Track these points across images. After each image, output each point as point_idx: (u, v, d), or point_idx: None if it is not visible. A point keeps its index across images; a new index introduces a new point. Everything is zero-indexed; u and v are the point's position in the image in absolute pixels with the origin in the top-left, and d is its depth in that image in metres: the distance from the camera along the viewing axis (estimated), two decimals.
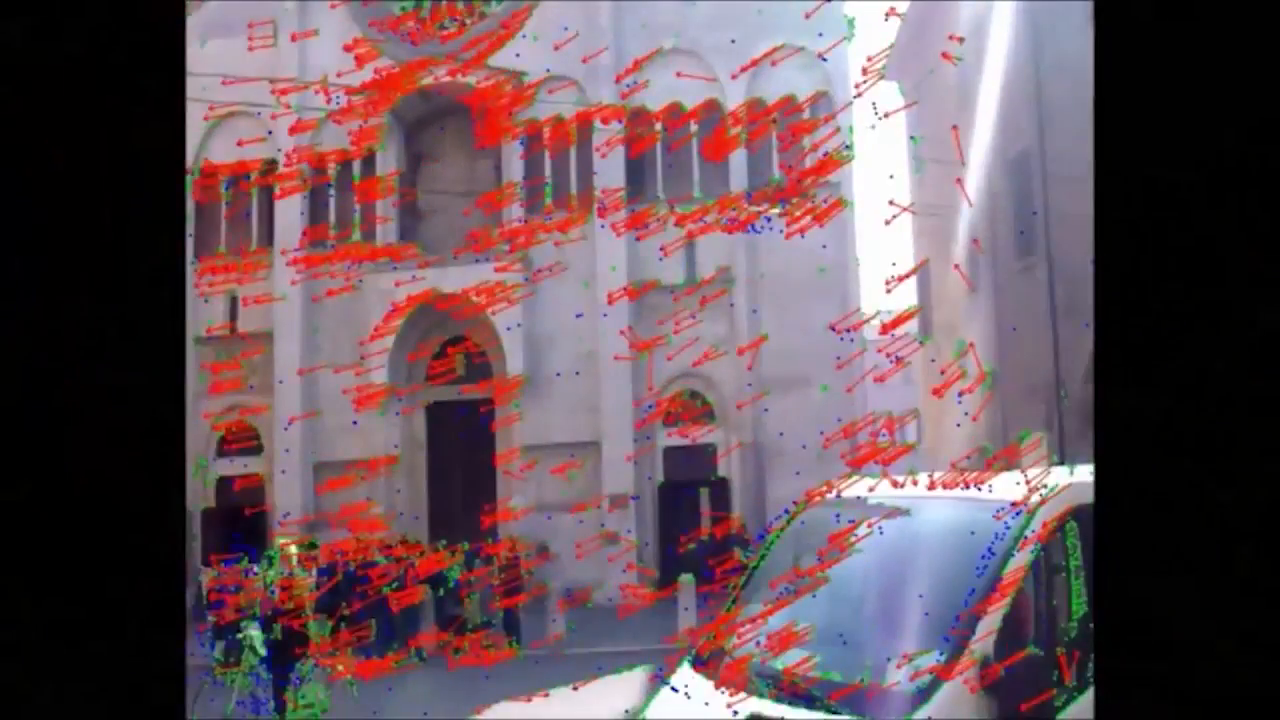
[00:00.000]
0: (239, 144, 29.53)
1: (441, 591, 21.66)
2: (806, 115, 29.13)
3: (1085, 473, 6.94)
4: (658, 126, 29.63)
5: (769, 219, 21.48)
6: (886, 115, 13.92)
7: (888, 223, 28.94)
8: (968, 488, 7.11)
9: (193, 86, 26.09)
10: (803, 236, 21.67)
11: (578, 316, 28.42)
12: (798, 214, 25.85)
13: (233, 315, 31.36)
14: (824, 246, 27.39)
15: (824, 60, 29.08)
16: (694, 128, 29.62)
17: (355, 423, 28.52)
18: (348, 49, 28.44)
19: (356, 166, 30.93)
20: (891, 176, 23.80)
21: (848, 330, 19.82)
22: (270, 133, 30.57)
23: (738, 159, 29.30)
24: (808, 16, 25.57)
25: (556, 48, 28.14)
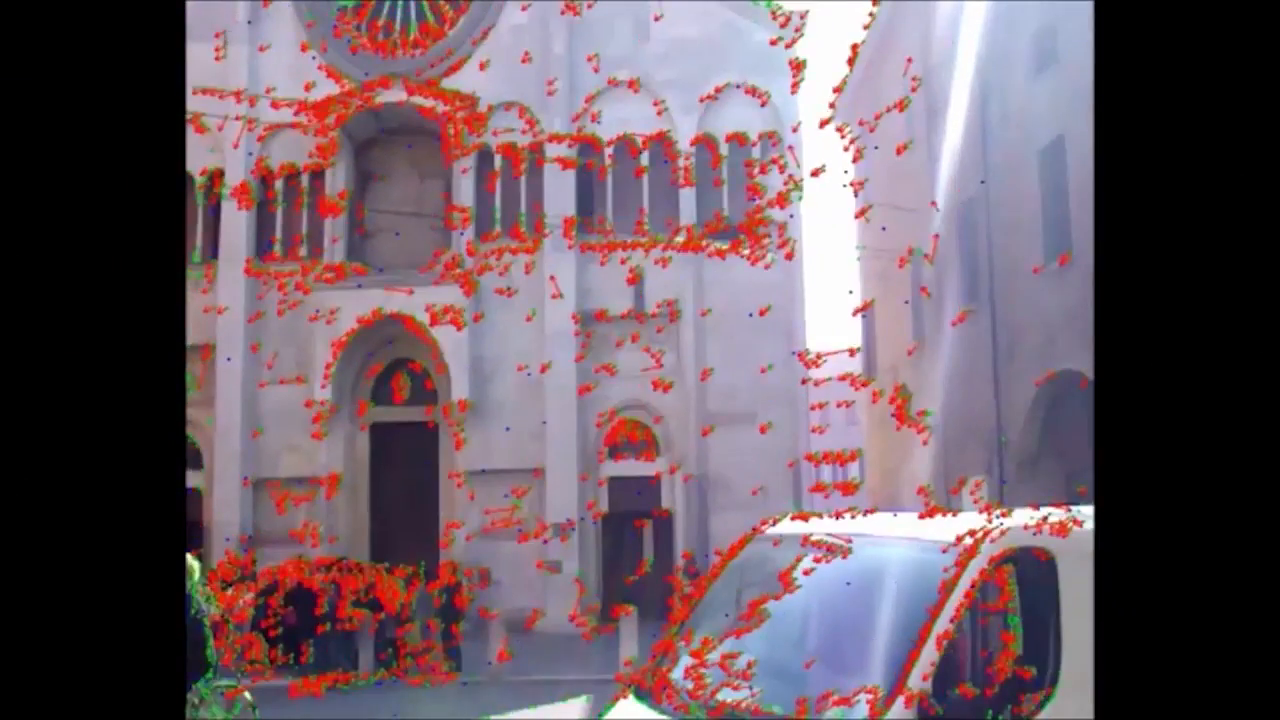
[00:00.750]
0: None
1: (383, 615, 21.59)
2: (756, 152, 29.41)
3: (1023, 516, 7.09)
4: (608, 157, 29.81)
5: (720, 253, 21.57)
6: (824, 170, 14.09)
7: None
8: (909, 526, 7.26)
9: None
10: (756, 264, 21.71)
11: (523, 343, 28.46)
12: (745, 250, 26.00)
13: None
14: (770, 283, 27.57)
15: (772, 101, 29.35)
16: (644, 159, 29.78)
17: (319, 438, 28.35)
18: (304, 48, 28.43)
19: (304, 181, 30.81)
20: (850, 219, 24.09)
21: (810, 365, 19.92)
22: (217, 144, 30.36)
23: (687, 192, 29.47)
24: (773, 43, 25.77)
25: (523, 71, 28.23)
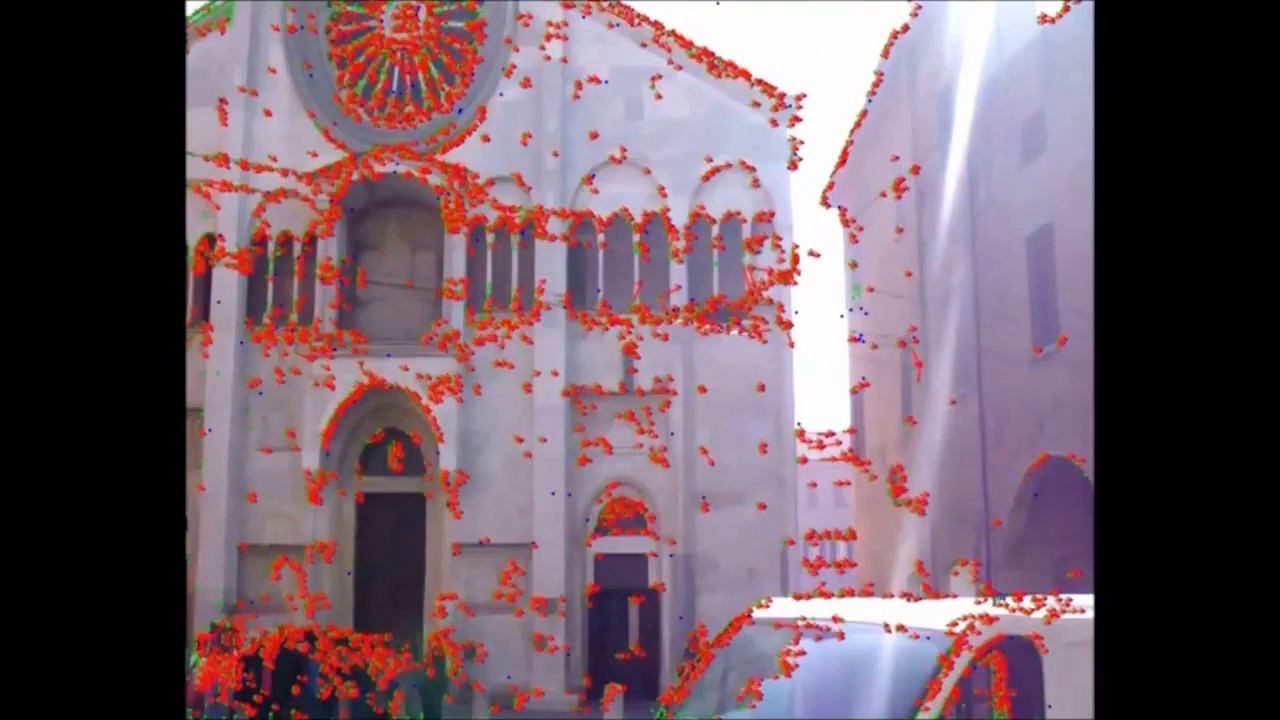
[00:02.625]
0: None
1: (369, 689, 21.37)
2: (749, 232, 29.62)
3: (1011, 604, 7.15)
4: (602, 233, 30.05)
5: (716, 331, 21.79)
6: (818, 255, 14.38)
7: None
8: (900, 612, 7.30)
9: None
10: (756, 339, 21.89)
11: (513, 416, 28.54)
12: (745, 325, 26.23)
13: None
14: (761, 363, 27.78)
15: (764, 181, 29.71)
16: (637, 237, 29.97)
17: (316, 503, 28.28)
18: (309, 115, 28.73)
19: (297, 249, 30.88)
20: (841, 308, 24.28)
21: (816, 446, 19.97)
22: (212, 209, 30.52)
23: (680, 270, 29.63)
24: (773, 125, 26.13)
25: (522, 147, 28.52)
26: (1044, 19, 20.96)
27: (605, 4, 30.87)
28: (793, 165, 29.24)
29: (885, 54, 20.31)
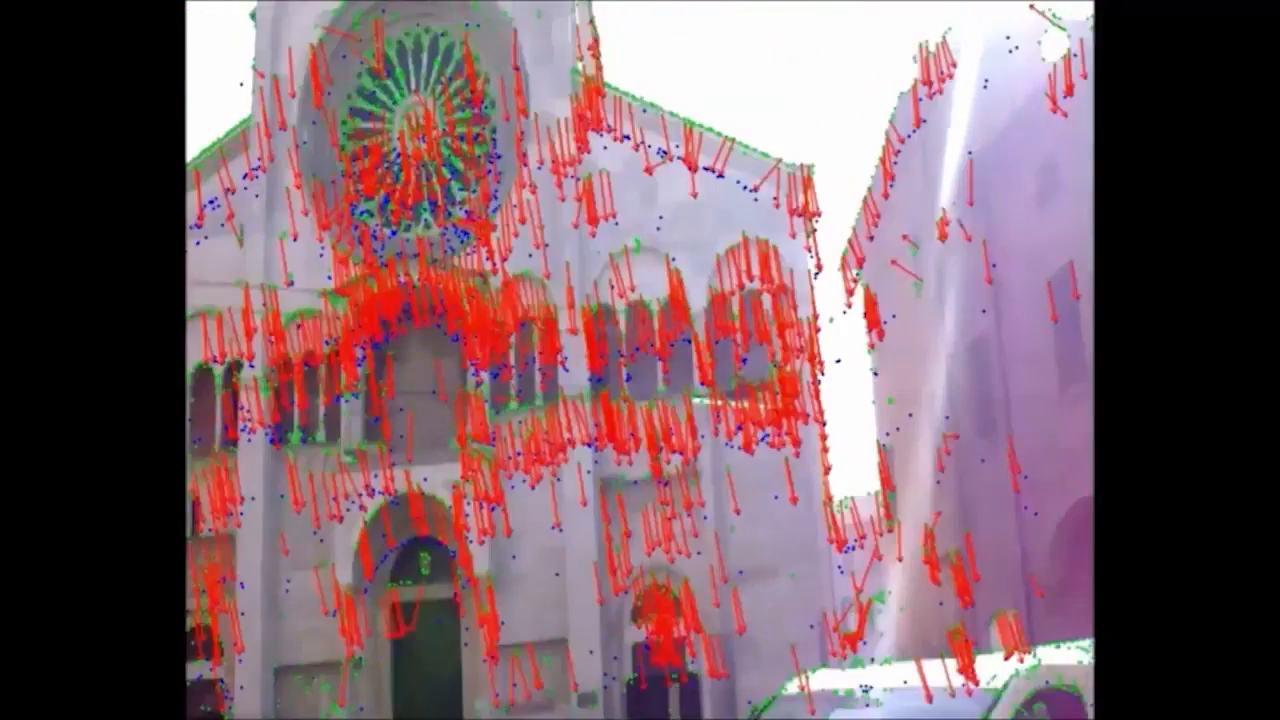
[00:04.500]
0: (204, 343, 29.73)
1: None
2: (769, 305, 29.57)
3: (1052, 655, 6.91)
4: (622, 323, 30.03)
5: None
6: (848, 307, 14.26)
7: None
8: (938, 674, 7.06)
9: None
10: (780, 430, 21.73)
11: (543, 512, 28.38)
12: (763, 409, 26.15)
13: (193, 519, 31.01)
14: (786, 434, 27.54)
15: (781, 255, 29.68)
16: (657, 324, 29.95)
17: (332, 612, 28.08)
18: (323, 226, 29.05)
19: (321, 365, 30.99)
20: (838, 360, 24.12)
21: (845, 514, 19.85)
22: (236, 333, 30.74)
23: (700, 357, 29.57)
24: (792, 213, 26.15)
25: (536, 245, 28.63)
26: (1054, 106, 20.95)
27: (615, 96, 30.99)
28: (808, 246, 29.41)
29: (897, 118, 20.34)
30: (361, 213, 31.93)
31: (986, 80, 24.00)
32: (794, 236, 29.43)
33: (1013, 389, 22.45)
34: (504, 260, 30.25)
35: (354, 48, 32.36)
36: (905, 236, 25.31)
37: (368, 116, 32.37)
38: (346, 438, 30.05)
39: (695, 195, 30.11)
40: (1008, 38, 23.35)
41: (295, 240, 31.08)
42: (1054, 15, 23.20)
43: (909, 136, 25.54)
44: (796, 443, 17.71)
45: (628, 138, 30.84)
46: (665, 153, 30.51)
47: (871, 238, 25.11)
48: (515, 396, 30.03)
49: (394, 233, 31.70)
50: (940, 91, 18.08)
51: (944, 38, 23.08)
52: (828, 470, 26.89)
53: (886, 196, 26.41)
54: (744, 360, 29.36)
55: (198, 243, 31.57)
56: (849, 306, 14.50)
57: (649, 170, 28.34)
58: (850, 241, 29.74)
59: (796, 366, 27.33)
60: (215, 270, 31.36)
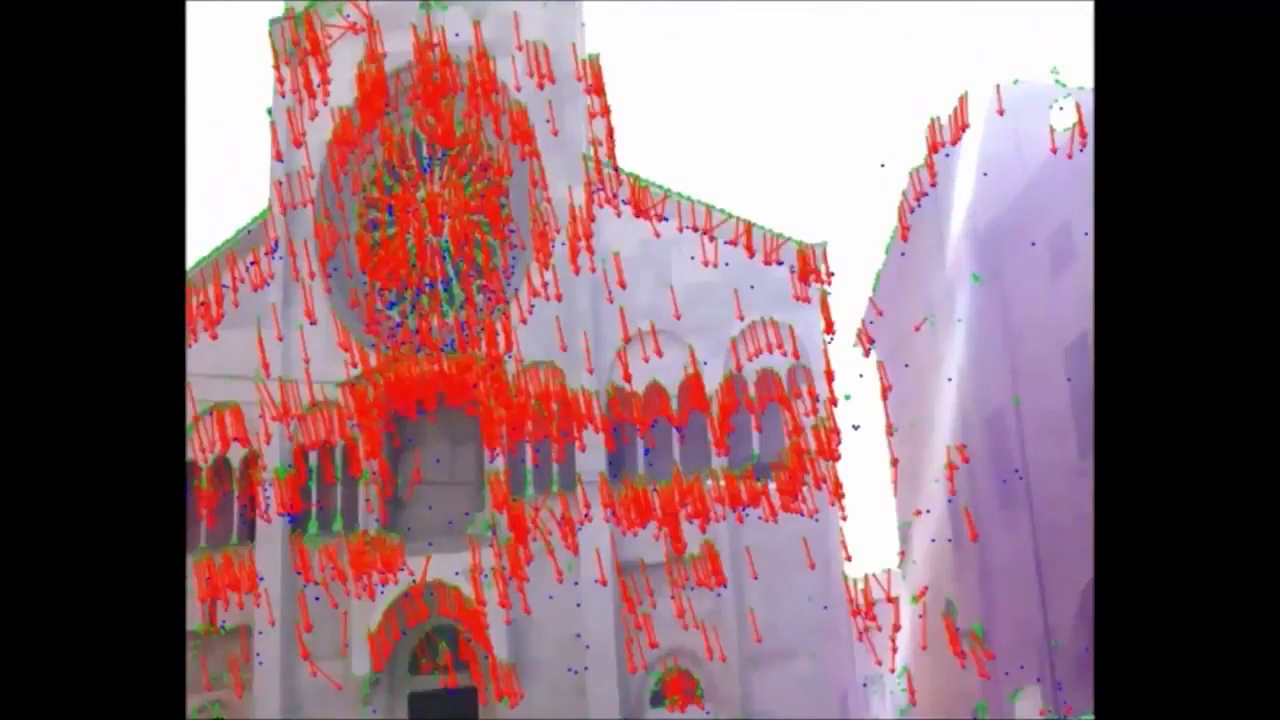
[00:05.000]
0: (223, 435, 29.75)
1: None
2: (785, 383, 29.30)
3: None
4: (638, 408, 29.83)
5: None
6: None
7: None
8: None
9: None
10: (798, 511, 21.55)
11: (561, 599, 27.99)
12: (781, 489, 25.94)
13: (210, 612, 30.69)
14: (803, 508, 27.18)
15: (796, 332, 29.51)
16: (675, 404, 29.74)
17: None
18: (338, 328, 29.26)
19: (338, 456, 30.89)
20: (856, 426, 23.96)
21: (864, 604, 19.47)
22: (253, 426, 30.80)
23: (717, 436, 29.31)
24: (804, 300, 26.02)
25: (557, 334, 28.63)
26: (1054, 148, 20.94)
27: (628, 179, 31.13)
28: (828, 328, 29.26)
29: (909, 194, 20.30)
30: (389, 305, 32.04)
31: (988, 167, 23.99)
32: (808, 314, 29.26)
33: (1032, 457, 22.07)
34: (519, 345, 30.21)
35: (366, 141, 32.74)
36: (917, 327, 25.15)
37: (383, 206, 32.65)
38: (364, 525, 29.85)
39: (709, 276, 30.09)
40: (1007, 110, 23.39)
41: (312, 330, 31.17)
42: (1060, 82, 23.24)
43: (919, 210, 25.48)
44: (814, 513, 17.51)
45: (640, 220, 30.90)
46: (679, 233, 30.55)
47: (880, 314, 24.94)
48: (533, 480, 29.77)
49: (402, 321, 31.74)
50: (950, 151, 18.05)
51: (953, 111, 23.15)
52: (847, 549, 26.50)
53: (900, 272, 26.26)
54: (761, 437, 29.06)
55: (215, 336, 31.75)
56: (863, 358, 14.29)
57: (662, 250, 28.40)
58: (864, 318, 29.57)
59: (813, 443, 27.04)
60: (233, 363, 31.49)
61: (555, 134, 31.34)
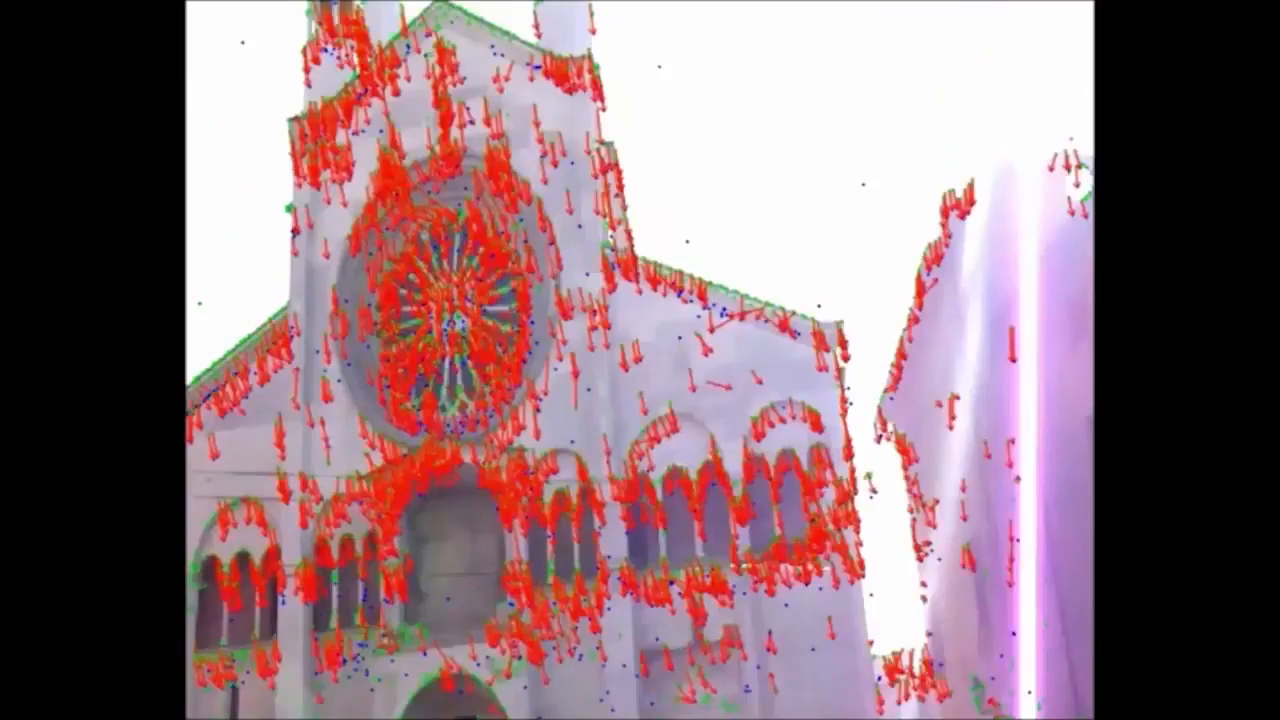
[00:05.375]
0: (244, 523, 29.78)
1: None
2: (806, 462, 29.03)
3: None
4: (659, 493, 29.58)
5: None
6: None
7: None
8: None
9: (195, 481, 26.50)
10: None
11: (585, 689, 27.57)
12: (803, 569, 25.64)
13: (233, 708, 30.31)
14: (831, 595, 26.82)
15: (816, 410, 29.28)
16: (694, 490, 29.48)
17: None
18: (361, 426, 29.28)
19: (359, 551, 30.68)
20: (873, 494, 23.69)
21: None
22: (275, 522, 30.75)
23: (739, 518, 29.00)
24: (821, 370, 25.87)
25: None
26: (1071, 210, 20.85)
27: (645, 265, 31.13)
28: (843, 412, 29.07)
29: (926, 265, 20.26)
30: (408, 394, 32.02)
31: (1003, 237, 23.89)
32: (826, 391, 29.05)
33: (1057, 533, 21.69)
34: (539, 432, 30.08)
35: (385, 237, 32.92)
36: (939, 403, 24.92)
37: (402, 300, 32.75)
38: (385, 616, 29.56)
39: (726, 357, 29.97)
40: (1021, 179, 23.34)
41: (332, 422, 31.19)
42: (1074, 153, 23.22)
43: (936, 283, 25.37)
44: (835, 584, 17.14)
45: (657, 304, 30.85)
46: (696, 316, 30.50)
47: (897, 389, 24.75)
48: (554, 568, 29.46)
49: (422, 410, 31.70)
50: (965, 223, 17.97)
51: (966, 188, 23.11)
52: (870, 631, 26.08)
53: (918, 344, 26.09)
54: (783, 515, 28.74)
55: (237, 431, 31.75)
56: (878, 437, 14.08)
57: (679, 333, 28.32)
58: (881, 402, 29.35)
59: (834, 521, 26.71)
60: (254, 459, 31.43)
61: (571, 212, 31.48)
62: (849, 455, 28.35)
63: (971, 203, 22.21)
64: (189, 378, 31.72)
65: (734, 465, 29.50)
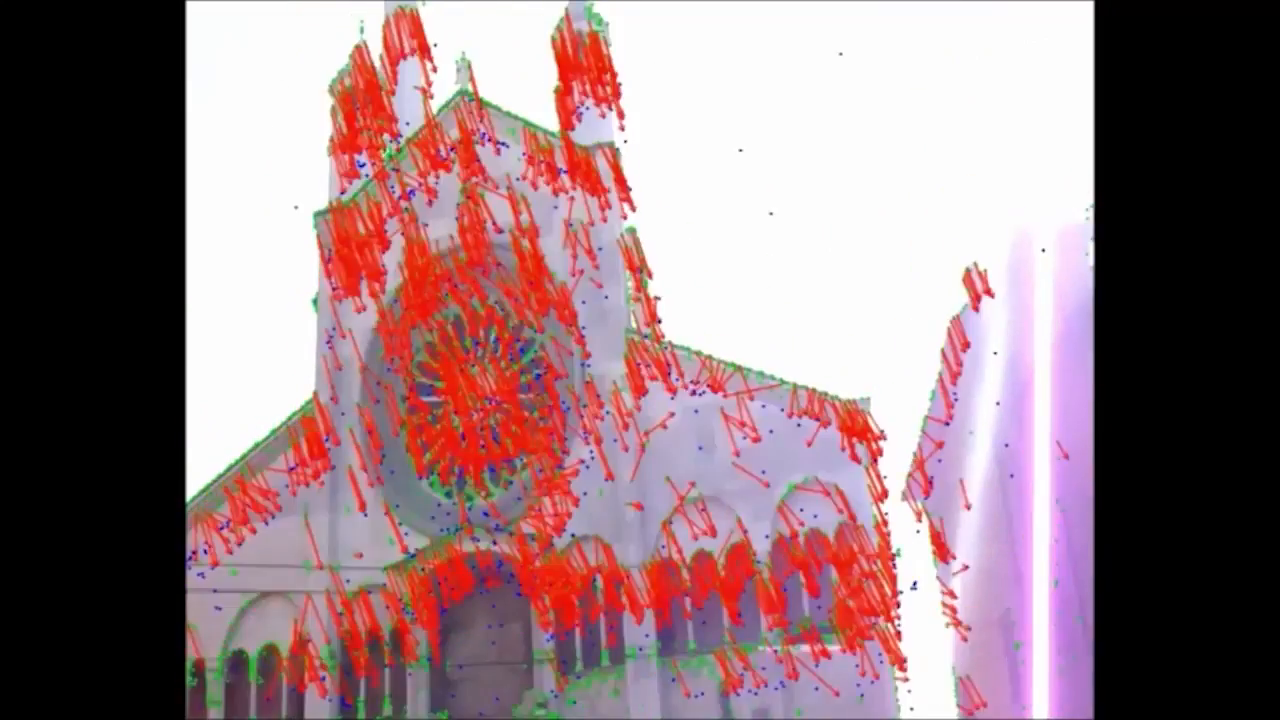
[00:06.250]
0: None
1: None
2: (833, 541, 28.79)
3: None
4: (687, 578, 29.37)
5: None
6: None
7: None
8: None
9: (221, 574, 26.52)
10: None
11: None
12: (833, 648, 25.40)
13: None
14: (859, 669, 26.47)
15: (844, 490, 29.09)
16: (722, 573, 29.25)
17: None
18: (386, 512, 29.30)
19: (386, 640, 30.49)
20: (914, 586, 23.48)
21: None
22: (300, 615, 30.68)
23: (768, 601, 28.72)
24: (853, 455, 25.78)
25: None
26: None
27: (668, 351, 31.11)
28: (881, 494, 28.86)
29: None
30: (436, 486, 32.04)
31: (1026, 309, 23.95)
32: (854, 471, 28.83)
33: (1086, 610, 21.48)
34: (566, 520, 29.97)
35: (409, 330, 33.06)
36: (963, 483, 24.89)
37: (428, 390, 32.87)
38: (412, 709, 29.33)
39: (752, 440, 29.86)
40: (1046, 249, 23.48)
41: (360, 515, 31.16)
42: (1091, 221, 23.36)
43: (962, 358, 25.39)
44: (875, 677, 16.77)
45: (682, 389, 30.82)
46: (723, 399, 30.46)
47: (923, 467, 24.67)
48: (582, 656, 29.18)
49: (452, 501, 31.67)
50: (990, 299, 18.06)
51: (983, 271, 23.21)
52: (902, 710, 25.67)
53: (947, 421, 26.05)
54: (811, 600, 28.44)
55: (266, 522, 31.72)
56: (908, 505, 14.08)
57: (705, 417, 28.33)
58: (912, 470, 29.20)
59: (870, 608, 26.45)
60: (281, 552, 31.36)
61: (597, 289, 31.61)
62: (881, 534, 27.98)
63: (987, 292, 22.30)
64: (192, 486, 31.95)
65: (762, 548, 29.28)
